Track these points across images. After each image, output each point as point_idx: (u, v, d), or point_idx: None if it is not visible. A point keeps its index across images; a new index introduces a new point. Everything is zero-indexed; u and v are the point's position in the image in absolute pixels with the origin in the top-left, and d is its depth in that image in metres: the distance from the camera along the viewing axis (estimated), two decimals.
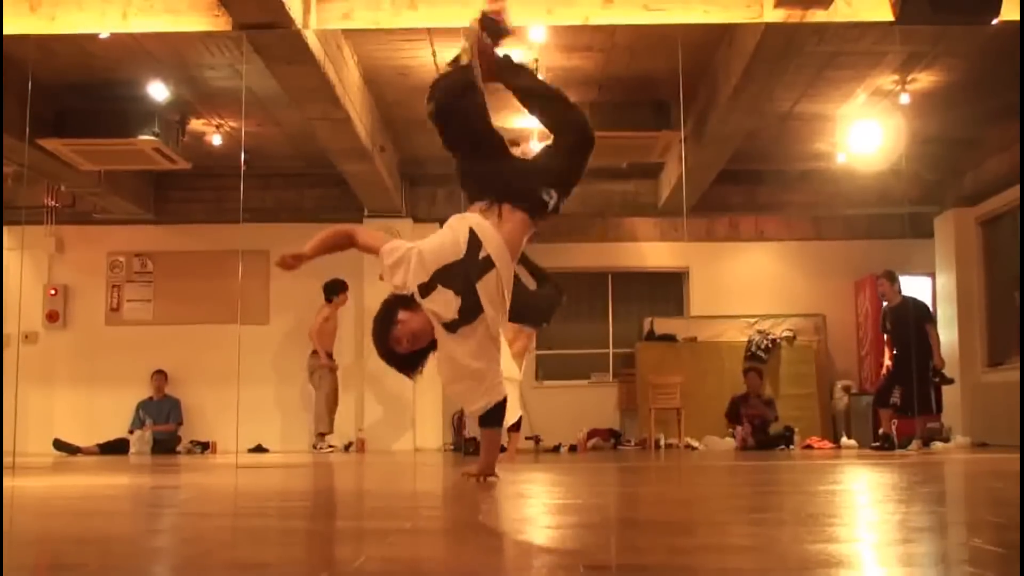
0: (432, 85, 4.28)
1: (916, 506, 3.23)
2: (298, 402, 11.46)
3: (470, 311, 3.94)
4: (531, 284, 7.60)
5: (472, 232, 3.98)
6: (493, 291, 3.96)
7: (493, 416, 4.17)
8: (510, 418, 7.56)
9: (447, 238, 4.04)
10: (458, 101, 4.16)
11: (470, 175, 4.26)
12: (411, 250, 4.03)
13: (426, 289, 3.95)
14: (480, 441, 4.60)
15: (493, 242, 3.97)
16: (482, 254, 3.96)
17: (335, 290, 10.78)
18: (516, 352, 7.47)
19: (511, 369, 7.33)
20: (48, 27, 6.50)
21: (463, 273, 3.94)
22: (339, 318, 10.95)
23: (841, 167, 10.39)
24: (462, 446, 10.54)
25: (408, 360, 4.04)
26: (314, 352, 10.80)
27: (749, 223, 12.55)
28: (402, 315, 3.94)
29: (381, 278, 4.17)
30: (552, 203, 4.14)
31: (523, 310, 7.16)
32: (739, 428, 10.56)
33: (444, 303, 3.93)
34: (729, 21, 6.68)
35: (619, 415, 12.30)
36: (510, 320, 6.93)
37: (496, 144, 4.21)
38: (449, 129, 4.24)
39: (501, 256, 3.98)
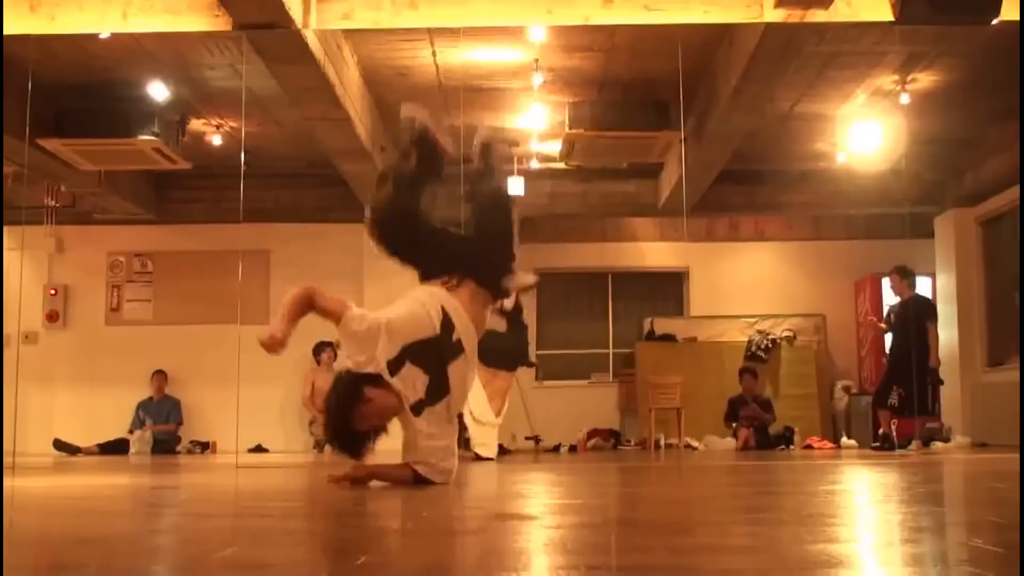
0: (372, 215, 4.28)
1: (916, 506, 3.23)
2: (298, 402, 11.46)
3: (437, 391, 3.87)
4: (500, 327, 7.64)
5: (445, 312, 3.91)
6: (462, 374, 3.93)
7: (421, 479, 4.07)
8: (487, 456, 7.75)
9: (418, 312, 3.90)
10: (397, 214, 4.15)
11: (422, 265, 4.22)
12: (379, 321, 3.83)
13: (396, 365, 3.80)
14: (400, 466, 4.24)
15: (462, 324, 3.92)
16: (455, 336, 3.89)
17: (319, 351, 10.88)
18: (492, 393, 7.51)
19: (486, 413, 7.46)
20: (48, 27, 6.49)
21: (436, 352, 3.86)
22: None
23: (841, 167, 10.39)
24: (460, 445, 10.54)
25: (362, 439, 3.89)
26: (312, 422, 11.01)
27: (749, 223, 12.56)
28: (370, 392, 3.78)
29: (337, 345, 4.08)
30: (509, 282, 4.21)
31: (496, 354, 7.24)
32: (742, 429, 10.54)
33: (413, 381, 3.84)
34: (729, 21, 6.67)
35: (619, 415, 12.30)
36: (485, 364, 7.01)
37: (441, 239, 4.19)
38: (391, 247, 4.27)
39: (470, 340, 3.96)
